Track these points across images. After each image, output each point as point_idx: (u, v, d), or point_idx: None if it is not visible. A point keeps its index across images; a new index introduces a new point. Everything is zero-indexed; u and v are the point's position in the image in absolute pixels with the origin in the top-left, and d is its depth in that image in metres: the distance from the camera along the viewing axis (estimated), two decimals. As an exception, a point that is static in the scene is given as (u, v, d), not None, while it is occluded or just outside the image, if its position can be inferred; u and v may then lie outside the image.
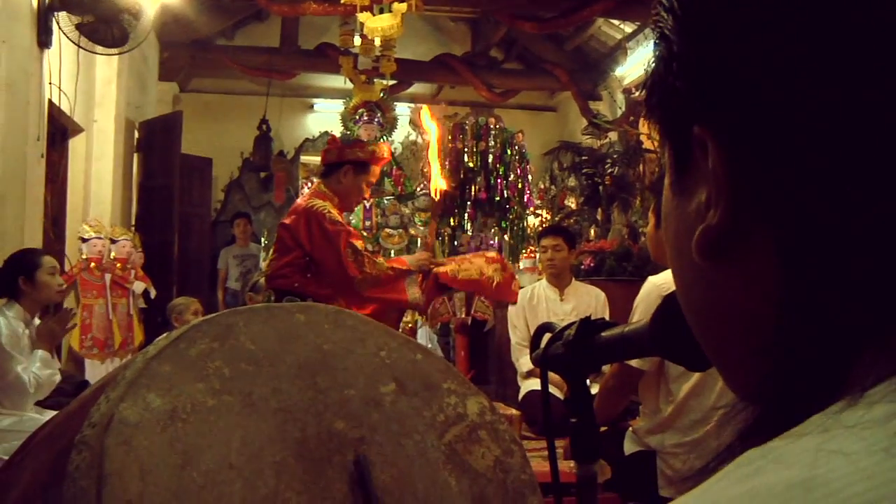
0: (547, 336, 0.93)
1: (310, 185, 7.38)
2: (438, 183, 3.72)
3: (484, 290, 3.52)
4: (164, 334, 0.88)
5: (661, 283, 2.73)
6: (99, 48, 5.84)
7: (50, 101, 5.74)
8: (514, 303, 3.96)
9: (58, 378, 4.34)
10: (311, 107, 10.82)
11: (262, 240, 8.82)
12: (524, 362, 5.00)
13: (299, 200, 3.73)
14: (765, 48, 0.39)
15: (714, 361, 0.48)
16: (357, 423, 0.90)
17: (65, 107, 6.13)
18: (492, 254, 3.78)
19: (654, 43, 0.47)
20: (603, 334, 0.85)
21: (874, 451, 0.31)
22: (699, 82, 0.42)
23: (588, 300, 5.07)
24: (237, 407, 0.82)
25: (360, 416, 0.91)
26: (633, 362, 2.75)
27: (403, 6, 6.77)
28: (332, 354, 0.94)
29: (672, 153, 0.47)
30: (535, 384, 4.86)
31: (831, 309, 0.37)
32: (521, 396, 4.94)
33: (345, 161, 3.60)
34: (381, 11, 6.87)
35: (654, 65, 0.47)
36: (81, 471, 0.72)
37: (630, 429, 3.37)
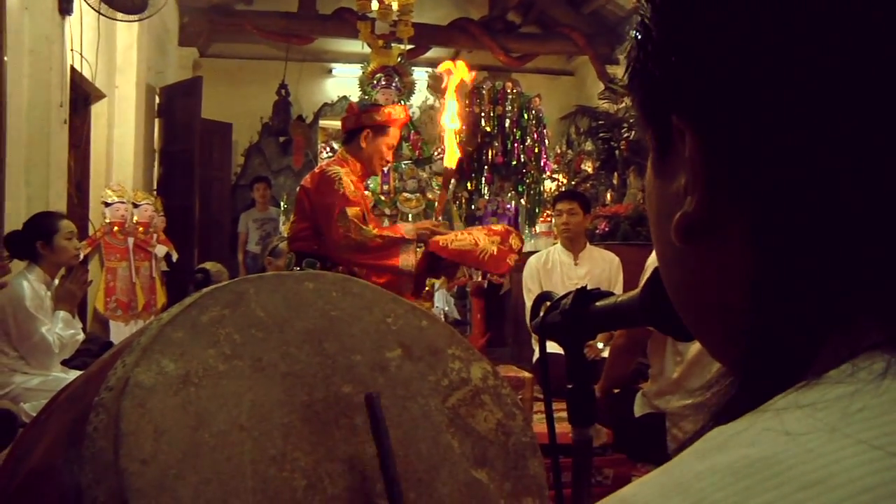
0: (546, 305, 0.96)
1: (328, 149, 7.46)
2: (453, 150, 3.76)
3: (473, 261, 3.52)
4: (178, 303, 0.92)
5: None
6: (119, 15, 5.91)
7: (72, 68, 5.81)
8: (502, 275, 3.96)
9: (80, 337, 4.46)
10: (330, 71, 10.80)
11: (282, 204, 8.87)
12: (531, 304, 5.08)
13: (320, 164, 3.78)
14: (735, 40, 0.40)
15: (696, 336, 0.50)
16: (363, 388, 0.91)
17: (87, 73, 6.21)
18: (499, 227, 3.79)
19: (635, 29, 0.48)
20: (597, 304, 0.87)
21: (821, 430, 0.32)
22: (675, 72, 0.43)
23: (602, 265, 5.08)
24: (247, 371, 0.85)
25: (366, 380, 0.93)
26: None
27: (421, -28, 6.75)
28: (340, 321, 0.96)
29: (653, 136, 0.48)
30: (548, 347, 4.94)
31: (799, 294, 0.39)
32: (535, 359, 5.02)
33: (363, 126, 3.65)
34: (399, -23, 6.87)
35: (634, 50, 0.48)
36: (99, 431, 0.75)
37: (640, 391, 3.42)
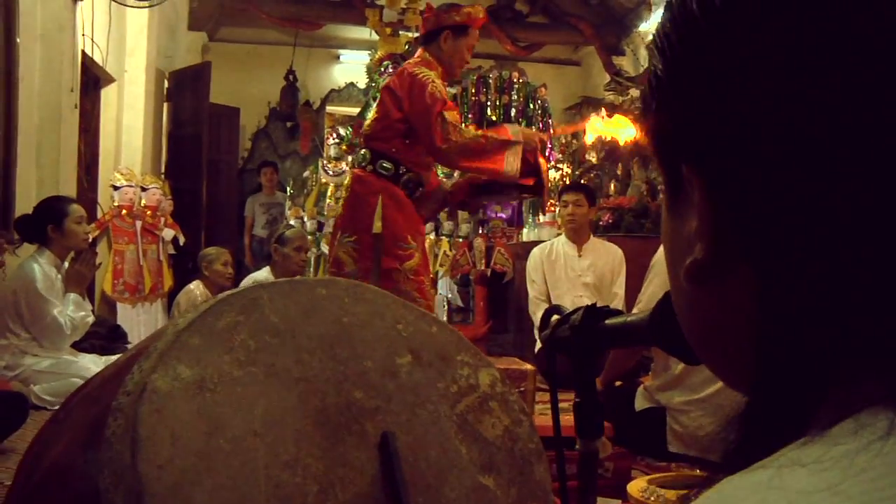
0: (555, 318, 0.97)
1: (335, 135, 7.47)
2: None
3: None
4: (193, 308, 0.92)
5: None
6: (130, 1, 5.93)
7: (83, 52, 5.85)
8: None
9: (91, 319, 4.53)
10: (338, 58, 10.80)
11: (288, 189, 8.91)
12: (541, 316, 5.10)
13: (406, 65, 3.67)
14: (737, 89, 0.40)
15: (709, 368, 0.51)
16: (374, 393, 0.93)
17: (97, 57, 6.24)
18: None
19: (648, 77, 0.49)
20: (607, 322, 0.88)
21: (824, 490, 0.32)
22: (681, 120, 0.44)
23: (606, 258, 5.11)
24: (261, 377, 0.87)
25: (377, 386, 0.95)
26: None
27: (430, -39, 6.75)
28: (352, 327, 0.98)
29: (665, 178, 0.49)
30: None
31: (803, 345, 0.39)
32: (536, 349, 5.04)
33: (443, 26, 3.56)
34: (409, -33, 6.87)
35: (647, 94, 0.48)
36: (117, 436, 0.78)
37: (641, 386, 3.45)
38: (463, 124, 3.45)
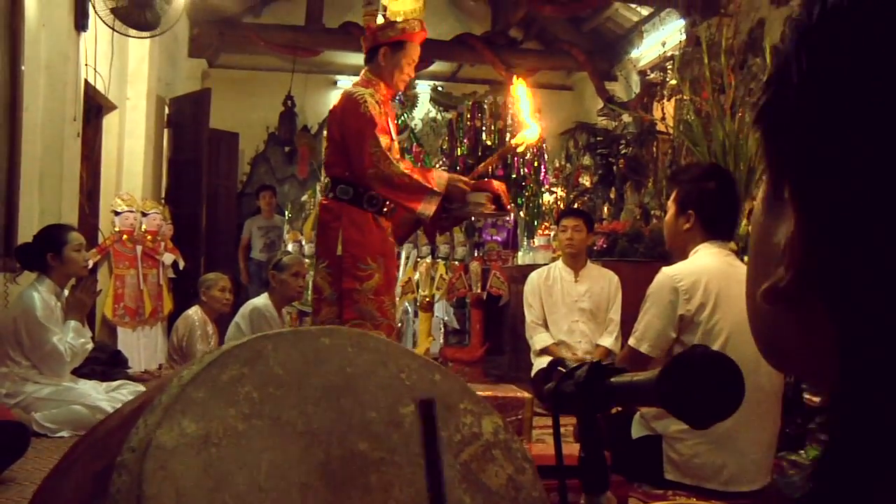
0: (558, 371, 0.98)
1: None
2: (524, 139, 3.74)
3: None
4: (198, 359, 0.93)
5: (673, 274, 2.81)
6: (132, 31, 6.04)
7: (85, 81, 5.96)
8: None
9: (90, 346, 4.56)
10: (335, 83, 10.93)
11: (286, 212, 9.01)
12: (538, 340, 5.14)
13: (348, 87, 3.75)
14: (861, 141, 0.39)
15: (790, 371, 0.53)
16: (378, 444, 0.93)
17: (99, 86, 6.35)
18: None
19: (774, 75, 0.46)
20: (612, 379, 0.87)
21: None
22: (798, 149, 0.43)
23: (602, 283, 5.18)
24: (266, 431, 0.86)
25: (381, 437, 0.94)
26: (643, 349, 2.82)
27: (426, -10, 6.89)
28: (356, 377, 0.97)
29: (770, 178, 0.48)
30: (546, 362, 4.97)
31: (882, 375, 0.39)
32: (533, 373, 5.08)
33: (380, 44, 3.63)
34: (404, -5, 7.01)
35: (772, 94, 0.46)
36: (122, 493, 0.77)
37: (638, 413, 3.51)
38: (397, 156, 3.51)
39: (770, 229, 0.47)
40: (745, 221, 3.98)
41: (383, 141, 3.43)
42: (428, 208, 3.44)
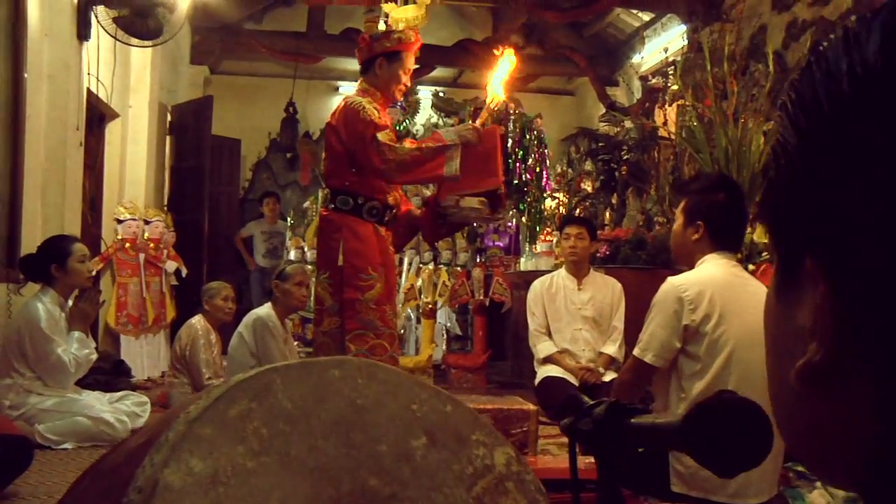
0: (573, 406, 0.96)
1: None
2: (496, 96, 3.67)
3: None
4: (204, 391, 0.92)
5: (679, 283, 2.77)
6: (134, 40, 6.05)
7: (88, 90, 5.96)
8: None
9: (94, 357, 4.55)
10: (337, 89, 10.97)
11: (289, 219, 9.02)
12: (541, 348, 5.12)
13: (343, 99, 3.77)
14: (885, 203, 0.38)
15: (801, 460, 0.48)
16: (389, 479, 0.91)
17: (102, 94, 6.35)
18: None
19: (774, 149, 0.44)
20: (633, 420, 0.84)
21: None
22: (816, 216, 0.41)
23: (605, 291, 5.16)
24: (275, 468, 0.84)
25: (391, 471, 0.92)
26: (648, 359, 2.79)
27: (428, -1, 6.89)
28: (366, 409, 0.95)
29: (779, 259, 0.46)
30: (550, 370, 4.97)
31: None
32: (536, 381, 5.05)
33: (376, 54, 3.65)
34: (406, 2, 6.99)
35: (774, 170, 0.44)
36: None
37: None
38: (398, 143, 3.51)
39: (788, 315, 0.45)
40: (749, 230, 3.98)
41: (383, 135, 3.44)
42: (452, 166, 3.42)
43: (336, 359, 1.04)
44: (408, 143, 3.47)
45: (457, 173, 3.45)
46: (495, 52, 3.78)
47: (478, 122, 3.63)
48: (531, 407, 3.55)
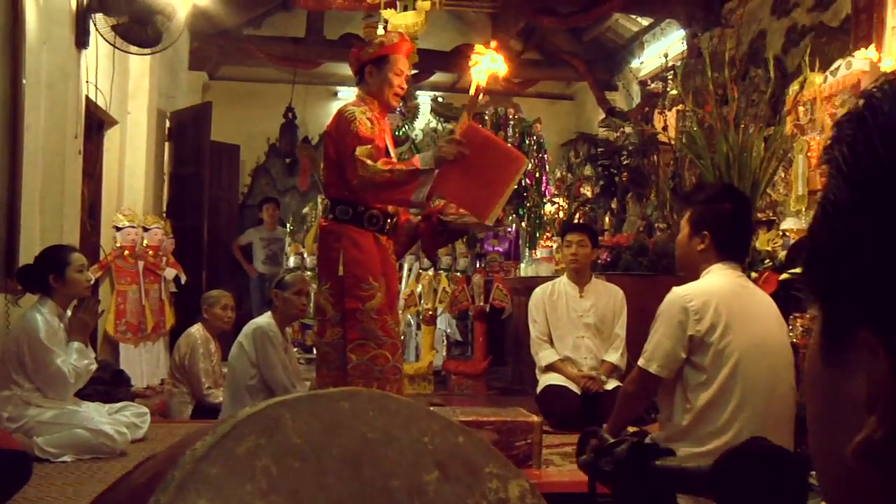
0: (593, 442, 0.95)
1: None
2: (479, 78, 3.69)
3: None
4: (212, 429, 0.90)
5: (684, 294, 2.76)
6: (133, 48, 6.02)
7: (87, 97, 5.94)
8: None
9: (94, 367, 4.50)
10: (336, 94, 10.94)
11: (288, 225, 9.01)
12: (543, 356, 5.12)
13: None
14: None
15: None
16: None
17: (100, 102, 6.33)
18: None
19: (822, 205, 0.41)
20: (657, 462, 0.82)
21: None
22: (875, 283, 0.38)
23: (607, 298, 5.16)
24: None
25: None
26: (653, 369, 2.77)
27: (427, 4, 6.87)
28: (377, 443, 0.92)
29: (826, 321, 0.43)
30: (552, 378, 4.97)
31: None
32: (538, 390, 5.05)
33: (364, 63, 3.66)
34: (406, 9, 6.99)
35: (820, 226, 0.42)
36: None
37: (648, 436, 3.48)
38: (377, 161, 3.43)
39: (837, 382, 0.42)
40: (752, 238, 3.95)
41: (360, 150, 3.40)
42: (422, 192, 3.37)
43: (345, 390, 1.01)
44: (381, 164, 3.40)
45: (422, 201, 3.43)
46: (476, 51, 3.77)
47: (457, 132, 3.57)
48: (535, 419, 3.53)
